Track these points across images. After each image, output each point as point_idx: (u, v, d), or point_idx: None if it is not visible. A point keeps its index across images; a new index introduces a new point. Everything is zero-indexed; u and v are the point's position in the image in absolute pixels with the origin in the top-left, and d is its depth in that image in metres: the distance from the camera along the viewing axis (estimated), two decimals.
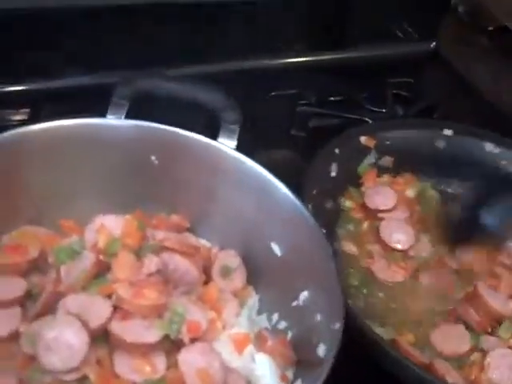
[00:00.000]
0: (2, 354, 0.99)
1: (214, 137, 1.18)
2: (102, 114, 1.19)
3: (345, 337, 0.96)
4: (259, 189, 1.16)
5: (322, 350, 1.01)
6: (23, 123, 1.16)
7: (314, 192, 1.34)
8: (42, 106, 1.58)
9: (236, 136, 1.16)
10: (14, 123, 1.52)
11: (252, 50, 1.75)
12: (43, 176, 1.17)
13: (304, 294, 1.11)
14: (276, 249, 1.16)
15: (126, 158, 1.20)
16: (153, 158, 1.19)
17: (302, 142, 1.65)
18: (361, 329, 1.13)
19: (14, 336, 1.01)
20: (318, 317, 1.05)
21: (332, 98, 1.78)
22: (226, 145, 1.17)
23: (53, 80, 1.59)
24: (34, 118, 1.53)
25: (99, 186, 1.21)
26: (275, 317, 1.17)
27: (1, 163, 1.12)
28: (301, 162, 1.53)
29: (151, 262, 1.05)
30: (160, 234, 1.11)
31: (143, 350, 0.98)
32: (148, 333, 0.98)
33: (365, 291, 1.33)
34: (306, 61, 1.86)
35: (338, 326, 0.97)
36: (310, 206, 1.19)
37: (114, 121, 1.18)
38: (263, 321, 1.18)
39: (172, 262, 1.09)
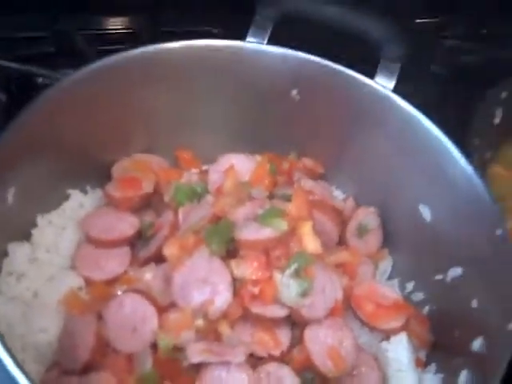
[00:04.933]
0: (99, 294, 0.90)
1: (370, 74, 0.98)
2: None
3: None
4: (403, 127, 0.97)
5: (478, 345, 0.84)
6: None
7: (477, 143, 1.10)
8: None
9: (396, 75, 0.96)
10: None
11: None
12: (162, 100, 1.03)
13: (456, 271, 0.93)
14: (425, 212, 0.97)
15: (264, 89, 1.02)
16: (294, 92, 1.01)
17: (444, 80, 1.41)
18: None
19: (117, 279, 0.91)
20: (474, 303, 0.88)
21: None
22: (384, 85, 0.97)
23: None
24: None
25: (226, 118, 1.06)
26: (410, 286, 1.02)
27: (114, 83, 0.97)
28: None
29: None
30: (308, 183, 0.96)
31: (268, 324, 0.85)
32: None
33: None
34: None
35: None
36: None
37: (256, 45, 1.00)
38: (394, 287, 1.02)
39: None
